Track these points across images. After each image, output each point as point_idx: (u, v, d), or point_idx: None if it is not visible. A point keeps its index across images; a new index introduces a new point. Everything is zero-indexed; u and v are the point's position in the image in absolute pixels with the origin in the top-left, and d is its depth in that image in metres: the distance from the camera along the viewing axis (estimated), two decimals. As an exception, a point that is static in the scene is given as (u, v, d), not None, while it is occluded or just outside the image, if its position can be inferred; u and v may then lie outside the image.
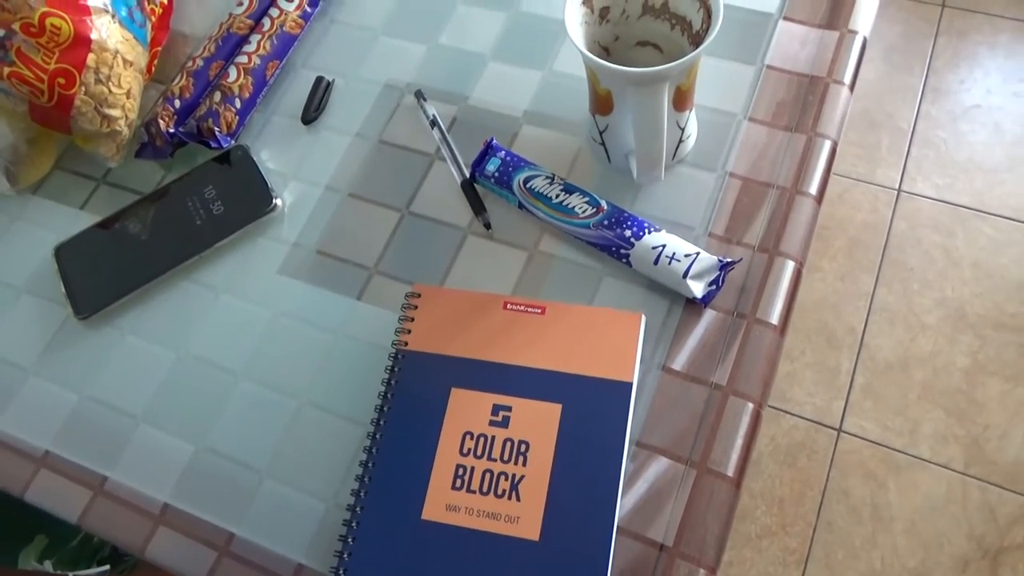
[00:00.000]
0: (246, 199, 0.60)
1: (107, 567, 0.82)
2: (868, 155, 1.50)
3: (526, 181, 0.56)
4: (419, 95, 0.63)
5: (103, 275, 0.59)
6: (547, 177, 0.56)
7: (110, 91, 0.61)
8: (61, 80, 0.59)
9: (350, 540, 0.47)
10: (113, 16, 0.61)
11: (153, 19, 0.66)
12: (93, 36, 0.59)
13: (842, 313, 1.35)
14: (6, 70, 0.57)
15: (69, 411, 0.56)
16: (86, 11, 0.60)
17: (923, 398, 1.27)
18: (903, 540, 1.17)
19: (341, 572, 0.46)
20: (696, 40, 0.51)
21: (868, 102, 1.56)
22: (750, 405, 0.49)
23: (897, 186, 1.47)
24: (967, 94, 1.55)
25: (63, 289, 0.59)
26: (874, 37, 1.64)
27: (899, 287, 1.36)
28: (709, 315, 0.52)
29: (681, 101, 0.53)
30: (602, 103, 0.53)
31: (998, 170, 1.45)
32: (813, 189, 0.56)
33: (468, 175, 0.59)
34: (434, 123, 0.62)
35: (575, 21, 0.51)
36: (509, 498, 0.47)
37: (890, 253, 1.40)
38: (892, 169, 1.49)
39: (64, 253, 0.61)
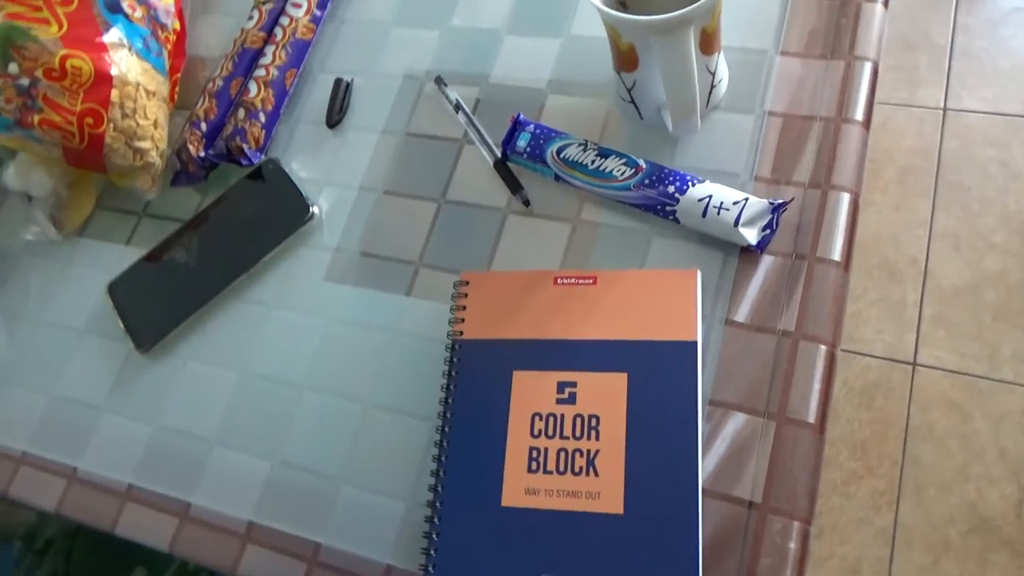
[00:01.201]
0: (283, 211, 0.60)
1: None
2: (907, 77, 1.44)
3: (559, 151, 0.55)
4: (439, 81, 0.62)
5: (157, 306, 0.60)
6: (580, 144, 0.55)
7: (138, 124, 0.61)
8: (89, 120, 0.59)
9: (435, 536, 0.46)
10: (130, 49, 0.62)
11: (168, 46, 0.67)
12: (113, 72, 0.60)
13: (901, 244, 1.30)
14: (36, 117, 0.58)
15: (145, 443, 0.57)
16: (103, 48, 0.60)
17: (998, 319, 1.22)
18: (997, 468, 1.13)
19: (430, 569, 0.46)
20: (716, -22, 0.49)
21: (901, 22, 1.50)
22: (823, 347, 0.47)
23: (942, 105, 1.40)
24: (1005, -2, 1.47)
25: (121, 325, 0.60)
26: (897, -47, 1.57)
27: (958, 209, 1.31)
28: (767, 261, 0.50)
29: (708, 44, 0.51)
30: (626, 59, 0.52)
31: (1048, 72, 1.38)
32: (859, 115, 0.53)
33: (500, 154, 0.58)
34: (458, 107, 0.61)
35: (587, -21, 0.49)
36: (587, 474, 0.46)
37: (944, 175, 1.34)
38: (935, 88, 1.42)
39: (117, 290, 0.62)
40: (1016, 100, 1.37)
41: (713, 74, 0.54)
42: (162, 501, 0.55)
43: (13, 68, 0.57)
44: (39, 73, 0.58)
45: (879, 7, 0.57)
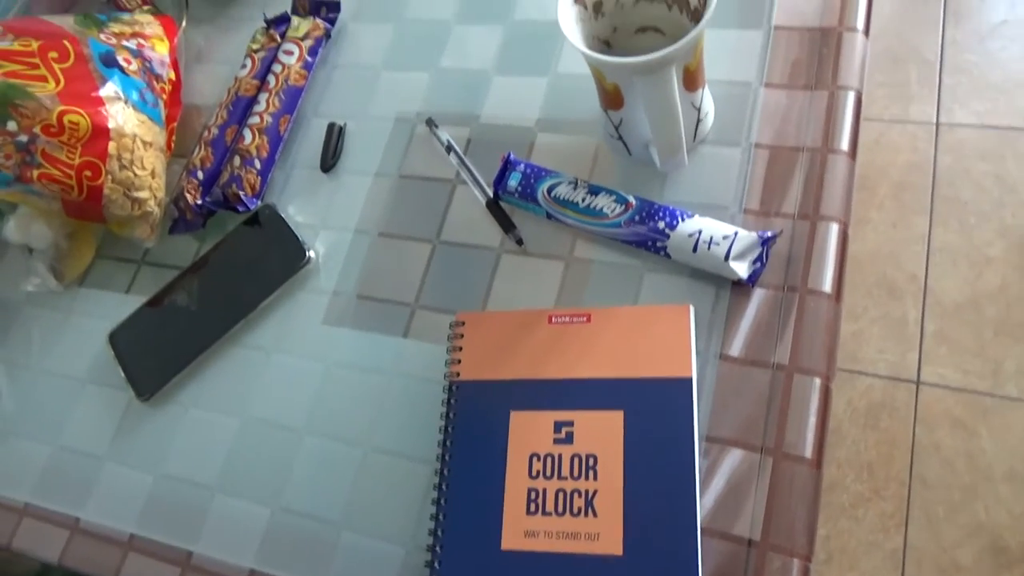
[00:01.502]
0: (281, 256, 0.61)
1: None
2: (899, 93, 1.45)
3: (550, 190, 0.56)
4: (430, 123, 0.63)
5: (157, 354, 0.60)
6: (570, 182, 0.56)
7: (135, 174, 0.62)
8: (88, 173, 0.60)
9: (435, 580, 0.46)
10: (126, 102, 0.63)
11: (164, 97, 0.68)
12: (110, 125, 0.61)
13: (900, 261, 1.30)
14: (35, 172, 0.59)
15: (147, 492, 0.57)
16: (99, 102, 0.61)
17: (1000, 334, 1.21)
18: (1005, 487, 1.12)
19: (431, 613, 0.46)
20: (696, 16, 0.50)
21: (889, 39, 1.51)
22: (817, 380, 0.48)
23: (935, 120, 1.41)
24: (991, 11, 1.49)
25: (122, 373, 0.61)
26: (885, -28, 1.59)
27: (955, 223, 1.31)
28: (759, 294, 0.51)
29: (691, 81, 0.51)
30: (612, 98, 0.52)
31: (1040, 84, 1.39)
32: (844, 145, 0.54)
33: (492, 194, 0.58)
34: (449, 148, 0.61)
35: (570, 20, 0.50)
36: (586, 515, 0.46)
37: (940, 190, 1.34)
38: (926, 103, 1.43)
39: (118, 338, 0.62)
40: (1008, 113, 1.38)
41: (698, 109, 0.54)
42: (164, 550, 0.55)
43: (12, 126, 0.58)
44: (37, 129, 0.59)
45: (860, 36, 0.57)
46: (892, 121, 1.43)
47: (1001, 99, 1.40)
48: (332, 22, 0.70)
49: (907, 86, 1.46)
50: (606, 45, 0.55)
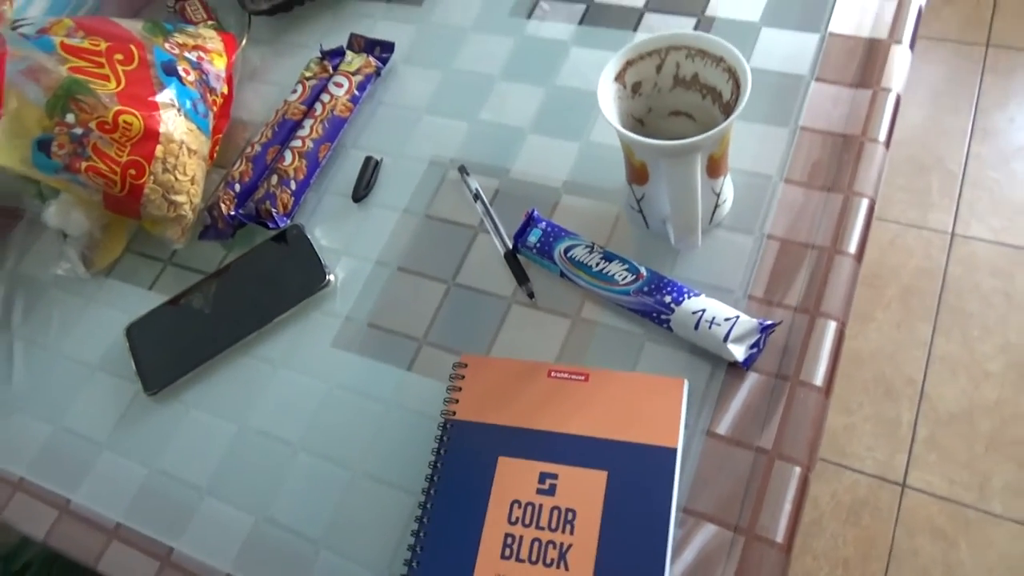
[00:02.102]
0: (301, 275, 0.63)
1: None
2: (918, 200, 1.48)
3: (567, 250, 0.58)
4: (462, 170, 0.66)
5: (170, 352, 0.63)
6: (587, 246, 0.58)
7: (176, 179, 0.65)
8: (132, 171, 0.64)
9: (403, 610, 0.48)
10: (179, 110, 0.66)
11: (215, 109, 0.71)
12: (161, 129, 0.64)
13: (900, 363, 1.32)
14: (83, 164, 0.62)
15: (139, 484, 0.59)
16: (154, 107, 0.65)
17: (991, 449, 1.22)
18: (979, 601, 1.12)
19: (395, 642, 0.47)
20: (727, 109, 0.53)
21: (915, 146, 1.55)
22: (797, 469, 0.49)
23: (950, 230, 1.44)
24: (1019, 133, 1.52)
25: (133, 366, 0.63)
26: (919, 80, 1.63)
27: (958, 334, 1.33)
28: (752, 378, 0.53)
29: (715, 168, 0.54)
30: (638, 174, 0.55)
31: (1057, 210, 1.42)
32: (852, 248, 0.56)
33: (511, 246, 0.61)
34: (477, 196, 0.64)
35: (608, 97, 0.53)
36: (557, 567, 0.47)
37: (947, 299, 1.36)
38: (944, 213, 1.46)
39: (135, 332, 0.64)
40: (1023, 233, 1.41)
41: (718, 194, 0.57)
42: (147, 543, 0.56)
43: (70, 118, 0.62)
44: (93, 125, 0.62)
45: (881, 147, 0.60)
46: (909, 225, 1.46)
47: (1018, 219, 1.42)
48: (384, 61, 0.74)
49: (928, 194, 1.49)
50: (639, 123, 0.58)
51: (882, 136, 0.61)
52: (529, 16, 0.74)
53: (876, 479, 1.23)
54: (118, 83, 0.64)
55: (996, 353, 1.30)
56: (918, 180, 1.51)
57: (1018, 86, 1.58)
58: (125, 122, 0.63)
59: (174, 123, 0.66)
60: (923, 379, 1.29)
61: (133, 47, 0.67)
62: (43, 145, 0.62)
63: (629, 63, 0.54)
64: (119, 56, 0.66)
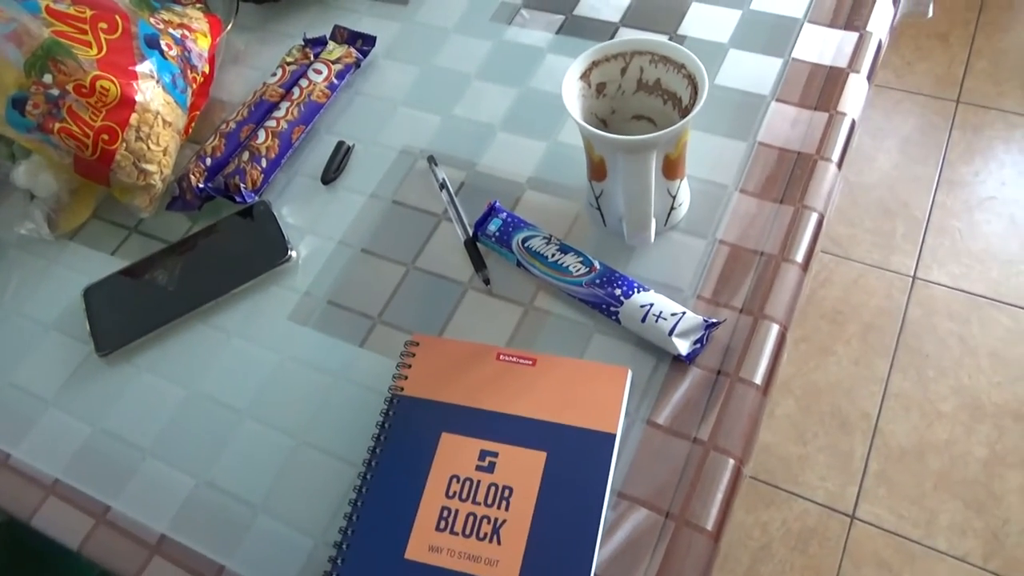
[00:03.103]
0: (264, 250, 0.64)
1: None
2: (883, 242, 1.52)
3: (524, 240, 0.60)
4: (431, 160, 0.68)
5: (126, 316, 0.63)
6: (544, 238, 0.60)
7: (148, 148, 0.66)
8: (105, 136, 0.64)
9: None
10: (157, 81, 0.67)
11: (194, 86, 0.73)
12: (138, 98, 0.65)
13: (856, 398, 1.34)
14: (56, 125, 0.63)
15: (81, 442, 0.59)
16: (134, 76, 0.66)
17: (939, 487, 1.24)
18: (918, 635, 1.13)
19: (323, 606, 0.47)
20: (685, 113, 0.55)
21: (883, 191, 1.59)
22: (731, 461, 0.50)
23: (912, 273, 1.48)
24: (982, 186, 1.58)
25: (88, 327, 0.63)
26: (891, 129, 1.68)
27: (914, 373, 1.35)
28: (694, 373, 0.54)
29: (671, 170, 0.56)
30: (597, 169, 0.57)
31: (1014, 261, 1.46)
32: (799, 258, 0.58)
33: (471, 234, 0.62)
34: (443, 186, 0.66)
35: (573, 93, 0.55)
36: (490, 541, 0.48)
37: (905, 339, 1.40)
38: (907, 256, 1.50)
39: (92, 294, 0.65)
40: (981, 281, 1.45)
41: (674, 197, 0.59)
42: (83, 500, 0.56)
43: (48, 79, 0.63)
44: (70, 87, 0.63)
45: (832, 167, 0.63)
46: (872, 266, 1.49)
47: (977, 267, 1.47)
48: (365, 54, 0.76)
49: (892, 237, 1.53)
50: (603, 124, 0.60)
51: (835, 156, 0.63)
52: (510, 22, 0.77)
53: (826, 509, 1.24)
54: (99, 50, 0.65)
55: (949, 394, 1.33)
56: (884, 223, 1.55)
57: (984, 142, 1.64)
58: (102, 87, 0.64)
59: (152, 93, 0.67)
60: (878, 414, 1.32)
61: (118, 17, 0.68)
62: (17, 103, 0.63)
63: (595, 63, 0.56)
64: (103, 25, 0.67)
